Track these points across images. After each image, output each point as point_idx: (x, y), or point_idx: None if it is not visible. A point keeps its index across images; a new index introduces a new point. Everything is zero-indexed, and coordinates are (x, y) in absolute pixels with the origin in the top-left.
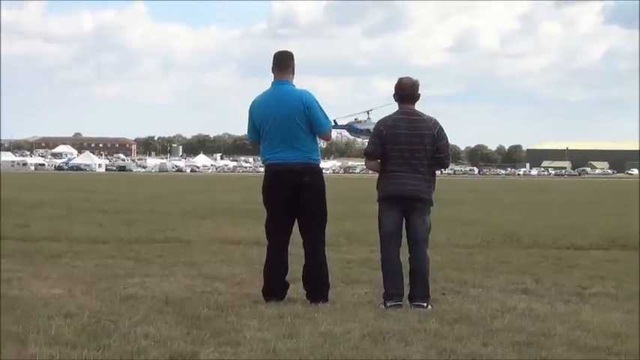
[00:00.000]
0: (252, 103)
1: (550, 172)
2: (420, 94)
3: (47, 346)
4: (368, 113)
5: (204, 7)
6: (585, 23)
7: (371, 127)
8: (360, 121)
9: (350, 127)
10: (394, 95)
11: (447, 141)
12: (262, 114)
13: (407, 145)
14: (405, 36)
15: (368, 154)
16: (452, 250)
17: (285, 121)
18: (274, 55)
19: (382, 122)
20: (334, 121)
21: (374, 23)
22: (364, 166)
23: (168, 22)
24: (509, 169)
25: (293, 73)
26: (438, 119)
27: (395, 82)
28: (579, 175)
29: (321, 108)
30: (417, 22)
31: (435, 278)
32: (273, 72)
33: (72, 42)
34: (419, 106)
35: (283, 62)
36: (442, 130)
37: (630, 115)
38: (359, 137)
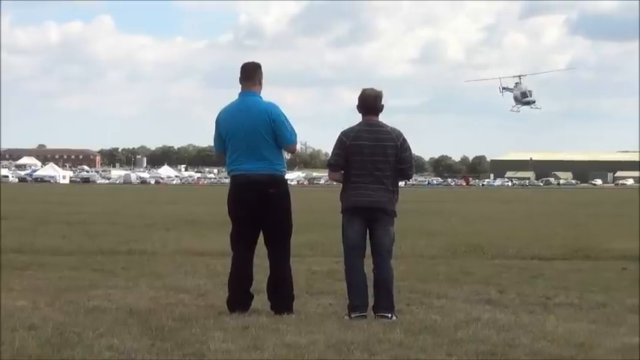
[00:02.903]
0: (219, 113)
1: (514, 182)
2: (383, 106)
3: (11, 359)
4: (519, 78)
5: (170, 19)
6: (550, 34)
7: (518, 93)
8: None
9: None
10: (357, 107)
11: (411, 152)
12: (228, 125)
13: (370, 157)
14: (371, 47)
15: (331, 165)
16: (416, 260)
17: (250, 133)
18: (241, 66)
19: (345, 133)
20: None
21: (339, 35)
22: (328, 178)
23: (135, 33)
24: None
25: (260, 85)
26: (402, 130)
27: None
28: (558, 185)
29: (287, 120)
30: (382, 33)
31: (400, 289)
32: (240, 83)
33: (37, 53)
34: (383, 117)
35: (250, 73)
36: (405, 141)
37: (594, 126)
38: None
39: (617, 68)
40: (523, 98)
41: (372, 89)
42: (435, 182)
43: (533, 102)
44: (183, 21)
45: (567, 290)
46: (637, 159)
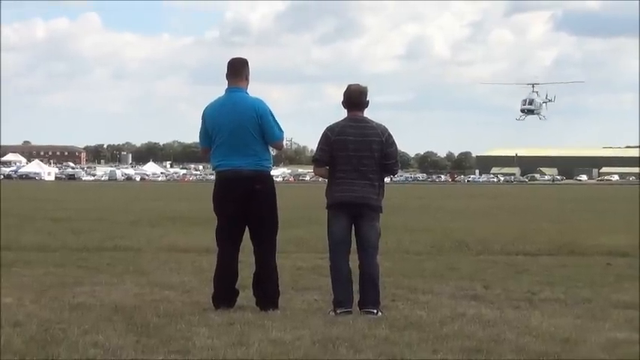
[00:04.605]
0: (205, 109)
1: (499, 178)
2: (368, 101)
3: None
4: (533, 86)
5: (156, 16)
6: (535, 31)
7: (532, 100)
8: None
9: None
10: (343, 102)
11: (396, 148)
12: (215, 121)
13: (355, 152)
14: (357, 44)
15: (316, 161)
16: (402, 256)
17: (237, 129)
18: (229, 62)
19: (330, 129)
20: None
21: (325, 32)
22: (313, 173)
23: (121, 30)
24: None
25: (247, 81)
26: (388, 126)
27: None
28: (553, 182)
29: (273, 117)
30: (368, 30)
31: (385, 285)
32: (227, 79)
33: (23, 50)
34: (368, 113)
35: (238, 69)
36: (391, 136)
37: (579, 122)
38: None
39: (602, 64)
40: (522, 105)
41: (357, 85)
42: (410, 178)
43: (535, 111)
44: (169, 18)
45: (552, 286)
46: (622, 155)
